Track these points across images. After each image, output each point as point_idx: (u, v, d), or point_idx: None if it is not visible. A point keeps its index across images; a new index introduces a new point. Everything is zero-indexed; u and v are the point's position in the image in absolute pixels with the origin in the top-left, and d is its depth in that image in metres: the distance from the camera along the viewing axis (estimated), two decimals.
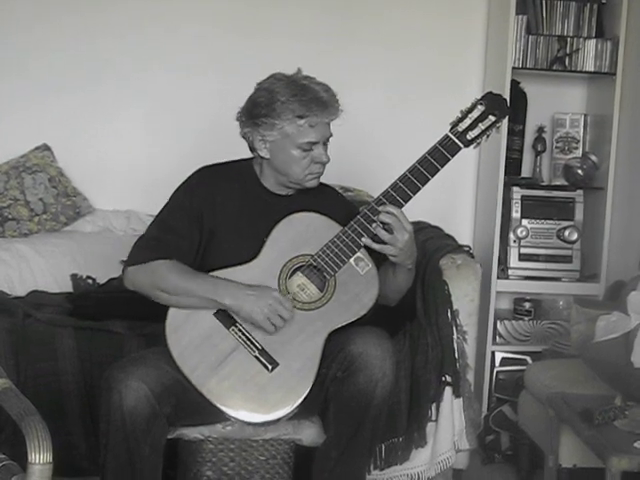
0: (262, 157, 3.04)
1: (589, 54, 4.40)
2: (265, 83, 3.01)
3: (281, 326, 2.90)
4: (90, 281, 4.08)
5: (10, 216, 4.23)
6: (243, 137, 3.07)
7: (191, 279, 2.93)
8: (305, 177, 3.02)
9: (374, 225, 2.94)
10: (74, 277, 4.09)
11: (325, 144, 3.02)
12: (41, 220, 4.28)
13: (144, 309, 3.16)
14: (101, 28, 4.45)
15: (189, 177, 3.11)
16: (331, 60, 4.43)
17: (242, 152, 3.12)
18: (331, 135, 3.04)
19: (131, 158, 4.50)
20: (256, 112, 2.98)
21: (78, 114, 4.44)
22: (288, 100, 2.92)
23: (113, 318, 3.66)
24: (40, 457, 2.09)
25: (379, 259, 3.03)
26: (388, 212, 2.93)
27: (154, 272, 2.95)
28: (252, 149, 3.07)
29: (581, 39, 4.40)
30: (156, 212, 3.12)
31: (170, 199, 3.10)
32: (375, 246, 2.95)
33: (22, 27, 4.40)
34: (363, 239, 2.94)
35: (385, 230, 2.93)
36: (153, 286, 2.96)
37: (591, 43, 4.40)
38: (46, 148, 4.41)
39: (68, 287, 4.08)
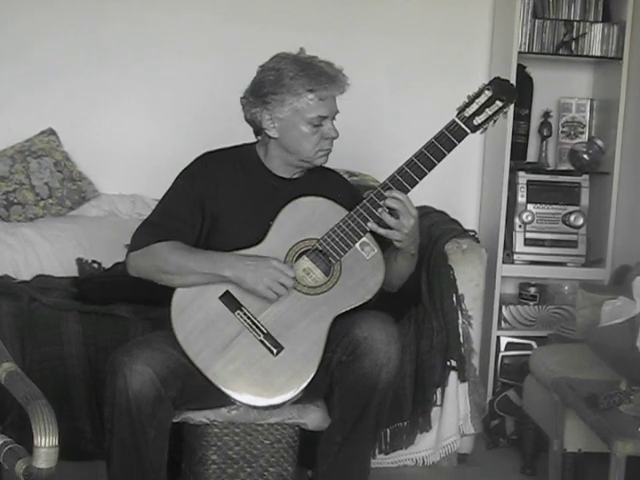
0: (270, 137, 3.03)
1: (595, 38, 4.38)
2: (270, 63, 3.01)
3: (283, 294, 2.89)
4: (95, 265, 4.09)
5: (16, 200, 4.23)
6: (249, 120, 3.06)
7: (190, 256, 2.93)
8: (316, 154, 3.02)
9: (380, 210, 2.93)
10: (79, 261, 4.10)
11: (333, 120, 3.02)
12: (47, 204, 4.28)
13: (149, 293, 3.16)
14: (104, 13, 4.45)
15: (191, 163, 3.11)
16: (336, 46, 4.35)
17: (247, 137, 3.11)
18: (338, 112, 3.03)
19: (136, 142, 4.50)
20: (264, 91, 2.97)
21: (84, 99, 4.45)
22: (297, 75, 2.92)
23: (118, 302, 3.68)
24: (46, 440, 2.10)
25: (383, 244, 3.02)
26: (394, 197, 2.92)
27: (154, 255, 2.95)
28: (259, 130, 3.06)
29: (587, 23, 4.38)
30: (161, 196, 3.12)
31: (172, 185, 3.09)
32: (381, 231, 2.94)
33: (25, 13, 4.39)
34: (369, 224, 2.94)
35: (391, 215, 2.93)
36: (155, 269, 2.96)
37: (597, 27, 4.38)
38: (51, 132, 4.41)
39: (73, 271, 4.09)
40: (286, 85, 2.93)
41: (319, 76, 2.93)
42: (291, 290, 2.92)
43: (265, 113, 2.99)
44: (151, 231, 3.00)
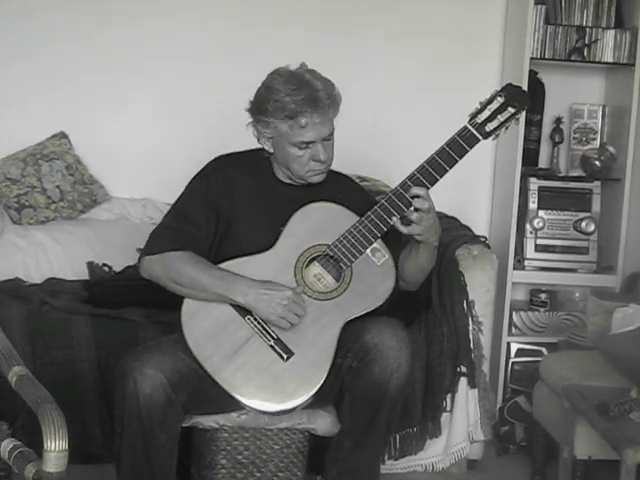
0: (267, 151, 3.05)
1: (608, 45, 4.37)
2: (268, 79, 3.01)
3: (296, 323, 2.89)
4: (106, 269, 4.09)
5: (27, 203, 4.24)
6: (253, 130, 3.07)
7: (205, 274, 2.93)
8: (306, 173, 3.02)
9: (377, 229, 2.93)
10: (90, 265, 4.10)
11: (327, 140, 2.99)
12: (58, 207, 4.29)
13: (160, 297, 3.17)
14: (116, 15, 4.45)
15: (205, 166, 3.11)
16: (346, 52, 4.43)
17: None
18: (331, 132, 2.99)
19: (148, 146, 4.50)
20: (255, 109, 3.00)
21: (95, 102, 4.45)
22: (281, 99, 2.91)
23: (129, 306, 3.68)
24: (56, 444, 2.10)
25: (396, 249, 3.02)
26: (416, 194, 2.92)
27: (168, 264, 2.96)
28: (259, 142, 3.07)
29: (600, 29, 4.37)
30: (172, 200, 3.12)
31: (186, 188, 3.10)
32: (402, 228, 2.93)
33: (37, 16, 4.40)
34: (394, 218, 2.92)
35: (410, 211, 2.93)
36: (168, 278, 2.97)
37: (610, 33, 4.37)
38: (63, 136, 4.42)
39: (84, 275, 4.09)
40: (269, 109, 2.93)
41: (303, 102, 2.90)
42: (301, 295, 2.92)
43: (258, 130, 3.01)
44: (167, 236, 3.00)
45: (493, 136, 2.98)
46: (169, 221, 3.07)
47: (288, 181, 3.09)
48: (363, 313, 2.92)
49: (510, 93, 2.98)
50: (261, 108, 2.95)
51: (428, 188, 2.94)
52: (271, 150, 3.03)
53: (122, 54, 4.46)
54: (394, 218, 2.93)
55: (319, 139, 2.96)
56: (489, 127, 2.96)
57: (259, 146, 3.12)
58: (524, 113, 3.13)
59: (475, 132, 2.95)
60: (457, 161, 2.94)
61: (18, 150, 4.34)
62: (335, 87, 2.97)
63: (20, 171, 4.25)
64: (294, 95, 2.90)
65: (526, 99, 3.02)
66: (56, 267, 4.10)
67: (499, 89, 2.99)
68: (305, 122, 2.91)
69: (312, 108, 2.90)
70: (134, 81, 4.48)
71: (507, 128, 2.98)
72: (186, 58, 4.48)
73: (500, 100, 2.96)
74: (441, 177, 2.94)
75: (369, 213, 2.95)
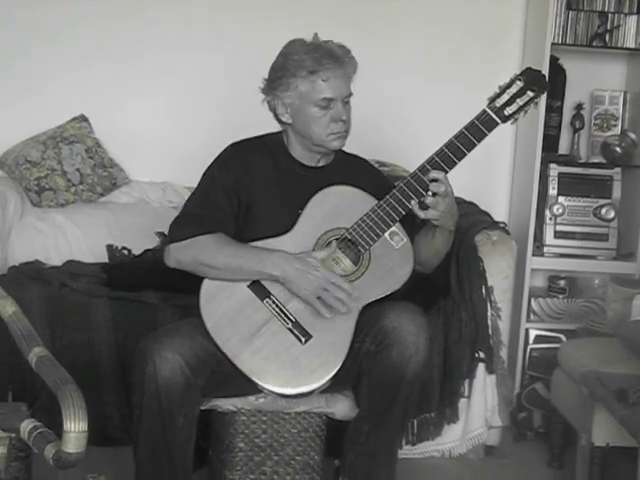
0: (285, 123, 3.04)
1: (630, 30, 4.34)
2: (283, 48, 3.02)
3: (343, 311, 2.87)
4: (125, 252, 4.10)
5: (47, 186, 4.25)
6: (269, 108, 3.06)
7: (238, 253, 2.92)
8: (327, 137, 3.00)
9: (396, 212, 2.92)
10: (109, 248, 4.11)
11: (346, 103, 3.00)
12: (77, 190, 4.30)
13: (178, 280, 3.17)
14: (134, 1, 4.46)
15: (221, 153, 3.10)
16: (367, 36, 4.41)
17: (275, 124, 3.11)
18: (350, 94, 3.00)
19: (167, 130, 4.50)
20: (272, 76, 3.00)
21: (116, 85, 4.46)
22: (300, 57, 2.92)
23: (148, 289, 3.69)
24: (75, 425, 2.10)
25: (413, 230, 3.02)
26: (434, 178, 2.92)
27: (200, 248, 2.94)
28: (276, 118, 3.07)
29: (622, 15, 4.34)
30: (192, 184, 3.13)
31: (205, 175, 3.09)
32: (420, 213, 2.93)
33: (59, 0, 4.41)
34: (412, 202, 2.92)
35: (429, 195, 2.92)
36: (198, 262, 2.94)
37: (632, 19, 4.34)
38: (83, 119, 4.43)
39: (103, 257, 4.10)
40: (290, 69, 2.94)
41: (322, 57, 2.92)
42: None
43: (277, 99, 3.00)
44: (193, 222, 2.98)
45: (512, 120, 2.97)
46: (192, 208, 3.05)
47: (305, 161, 3.08)
48: (381, 296, 2.92)
49: (529, 77, 2.97)
50: (280, 72, 2.96)
51: (446, 172, 2.93)
52: (289, 120, 3.02)
53: (142, 38, 4.46)
54: (412, 202, 2.92)
55: (340, 97, 2.96)
56: (508, 111, 2.95)
57: (272, 130, 3.11)
58: (544, 98, 3.12)
59: (494, 116, 2.94)
60: (476, 145, 2.93)
61: (38, 133, 4.35)
62: (350, 50, 2.99)
63: (40, 154, 4.26)
64: (312, 53, 2.92)
65: (545, 83, 3.01)
66: (75, 250, 4.11)
67: (518, 73, 2.98)
68: (327, 76, 2.92)
69: (332, 62, 2.92)
70: (153, 64, 4.48)
71: (526, 112, 2.97)
72: (204, 42, 4.48)
73: (519, 84, 2.95)
74: (460, 161, 2.93)
75: (387, 196, 2.95)
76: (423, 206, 2.92)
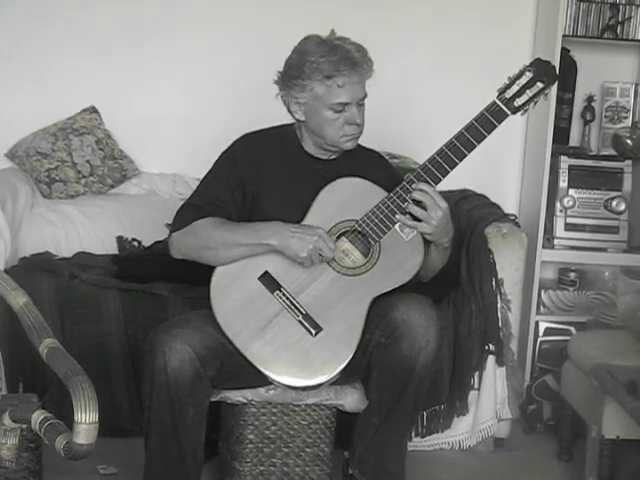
0: (298, 120, 3.04)
1: None
2: (299, 45, 3.00)
3: (317, 263, 2.89)
4: (135, 243, 4.10)
5: (57, 178, 4.25)
6: (282, 102, 3.06)
7: (234, 229, 2.94)
8: (340, 139, 2.99)
9: (406, 204, 2.92)
10: (120, 239, 4.12)
11: (360, 105, 2.99)
12: (88, 182, 4.30)
13: (189, 272, 3.18)
14: None
15: (231, 145, 3.11)
16: (375, 25, 4.40)
17: (287, 116, 3.10)
18: (365, 96, 2.99)
19: (178, 121, 4.50)
20: (288, 74, 2.97)
21: (126, 77, 4.45)
22: (317, 60, 2.90)
23: (158, 281, 3.70)
24: (86, 417, 2.11)
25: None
26: (420, 190, 2.91)
27: (197, 232, 2.95)
28: (290, 112, 3.06)
29: (633, 7, 4.32)
30: (202, 176, 3.12)
31: (213, 167, 3.10)
32: (409, 223, 2.93)
33: None
34: (397, 216, 2.93)
35: (418, 207, 2.92)
36: (199, 246, 2.95)
37: None
38: (94, 110, 4.43)
39: (113, 249, 4.11)
40: (306, 71, 2.91)
41: (339, 62, 2.89)
42: (329, 270, 2.92)
43: (291, 97, 2.99)
44: (193, 212, 3.00)
45: (522, 111, 2.97)
46: (194, 200, 3.07)
47: (317, 154, 3.08)
48: (392, 288, 2.92)
49: (539, 68, 2.96)
50: (296, 72, 2.93)
51: (457, 164, 2.93)
52: (302, 118, 3.01)
53: (152, 30, 4.45)
54: (406, 204, 2.93)
55: (355, 101, 2.95)
56: (518, 102, 2.95)
57: (285, 122, 3.11)
58: (554, 90, 3.12)
59: (504, 107, 2.94)
60: (486, 137, 2.94)
61: (49, 124, 4.36)
62: (367, 51, 2.96)
63: (51, 145, 4.26)
64: (329, 56, 2.89)
65: (555, 74, 3.01)
66: (85, 241, 4.12)
67: (528, 64, 2.97)
68: (343, 82, 2.90)
69: (349, 68, 2.90)
70: (164, 57, 4.47)
71: (536, 103, 2.97)
72: (215, 33, 4.47)
73: (529, 75, 2.95)
74: (470, 153, 2.94)
75: (398, 188, 2.95)
76: (422, 207, 2.92)
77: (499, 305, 3.68)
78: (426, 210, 2.91)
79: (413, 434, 3.62)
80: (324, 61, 2.89)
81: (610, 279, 4.47)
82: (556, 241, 4.38)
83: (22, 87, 4.40)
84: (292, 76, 2.95)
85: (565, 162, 4.37)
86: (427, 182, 2.93)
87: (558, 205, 4.37)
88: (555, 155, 4.36)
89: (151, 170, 4.49)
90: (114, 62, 4.43)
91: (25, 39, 4.40)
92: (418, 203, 2.93)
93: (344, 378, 2.96)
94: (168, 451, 2.88)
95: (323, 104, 2.94)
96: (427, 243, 3.00)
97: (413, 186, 2.92)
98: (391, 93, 4.33)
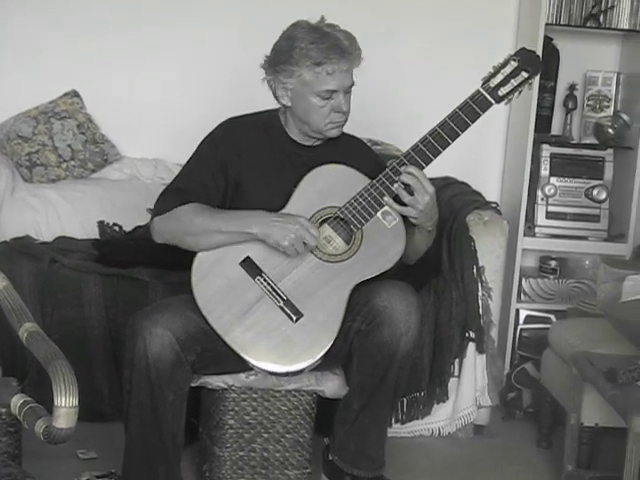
0: (284, 105, 3.03)
1: (624, 11, 4.32)
2: (287, 31, 2.99)
3: (302, 252, 2.89)
4: (117, 228, 4.09)
5: (38, 161, 4.23)
6: (268, 87, 3.05)
7: (215, 216, 2.94)
8: (326, 126, 2.99)
9: (395, 185, 2.93)
10: (101, 224, 4.11)
11: (347, 93, 2.98)
12: (69, 166, 4.29)
13: (170, 257, 3.18)
14: None
15: (214, 129, 3.10)
16: (361, 14, 4.37)
17: (271, 102, 3.09)
18: (352, 84, 2.99)
19: (160, 106, 4.48)
20: (276, 60, 2.96)
21: (108, 61, 4.43)
22: (306, 47, 2.89)
23: (139, 265, 3.69)
24: (66, 401, 2.10)
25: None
26: (409, 173, 2.91)
27: (179, 217, 2.95)
28: (276, 98, 3.05)
29: None
30: (184, 161, 3.12)
31: (195, 151, 3.09)
32: (396, 207, 2.94)
33: None
34: (385, 198, 2.94)
35: (406, 191, 2.92)
36: (180, 231, 2.95)
37: (626, 0, 4.33)
38: (75, 94, 4.41)
39: (95, 234, 4.10)
40: (295, 57, 2.91)
41: (328, 50, 2.89)
42: (311, 257, 2.92)
43: (278, 82, 2.98)
44: (175, 196, 2.99)
45: (506, 100, 2.97)
46: (177, 183, 3.06)
47: (300, 141, 3.07)
48: (373, 275, 2.93)
49: (524, 57, 2.97)
50: (284, 57, 2.92)
51: (440, 152, 2.93)
52: (289, 103, 3.00)
53: (136, 15, 4.42)
54: (395, 185, 2.93)
55: (342, 89, 2.94)
56: (502, 91, 2.95)
57: (270, 107, 3.10)
58: (537, 78, 3.12)
59: (488, 96, 2.94)
60: (470, 125, 2.94)
61: (30, 108, 4.33)
62: (356, 39, 2.96)
63: (32, 129, 4.24)
64: (319, 43, 2.89)
65: (539, 64, 3.01)
66: (66, 226, 4.10)
67: (513, 53, 2.98)
68: (332, 69, 2.89)
69: (339, 56, 2.89)
70: (147, 41, 4.44)
71: (520, 93, 2.98)
72: (199, 17, 4.45)
73: (514, 64, 2.95)
74: (453, 141, 2.94)
75: (380, 175, 2.95)
76: (409, 191, 2.92)
77: (480, 292, 3.69)
78: (413, 194, 2.91)
79: (393, 420, 3.62)
80: (313, 48, 2.88)
81: (590, 267, 4.49)
82: (537, 229, 4.40)
83: (3, 70, 4.37)
84: (280, 61, 2.94)
85: (547, 150, 4.39)
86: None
87: (539, 193, 4.38)
88: (537, 143, 4.37)
89: (133, 155, 4.47)
90: (96, 46, 4.40)
91: (6, 23, 4.37)
92: (406, 187, 2.93)
93: (325, 364, 2.96)
94: (148, 436, 2.88)
95: (311, 90, 2.93)
96: (412, 226, 3.01)
97: (402, 168, 2.92)
98: (376, 81, 4.31)
